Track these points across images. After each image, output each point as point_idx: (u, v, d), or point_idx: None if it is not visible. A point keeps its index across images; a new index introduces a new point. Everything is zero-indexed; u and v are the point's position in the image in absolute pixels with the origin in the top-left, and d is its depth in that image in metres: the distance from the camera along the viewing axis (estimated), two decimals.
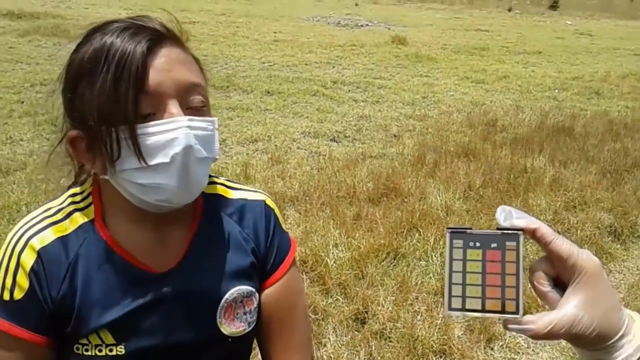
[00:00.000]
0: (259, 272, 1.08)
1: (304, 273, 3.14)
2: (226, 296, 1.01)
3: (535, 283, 0.70)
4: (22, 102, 6.25)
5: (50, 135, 5.29)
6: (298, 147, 5.49)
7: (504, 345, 2.78)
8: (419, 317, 2.89)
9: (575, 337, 0.66)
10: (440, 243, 3.51)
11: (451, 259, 0.70)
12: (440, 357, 2.66)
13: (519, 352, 2.76)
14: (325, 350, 2.64)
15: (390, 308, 2.91)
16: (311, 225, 3.69)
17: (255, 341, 1.12)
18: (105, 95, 0.84)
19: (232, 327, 1.02)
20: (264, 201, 1.11)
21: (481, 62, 10.79)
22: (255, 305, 1.06)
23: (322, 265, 3.21)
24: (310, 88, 7.77)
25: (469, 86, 8.72)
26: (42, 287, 0.92)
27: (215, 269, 1.02)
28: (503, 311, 0.67)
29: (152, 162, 0.86)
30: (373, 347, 2.66)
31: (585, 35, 16.55)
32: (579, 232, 3.88)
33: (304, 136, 5.82)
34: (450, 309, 0.69)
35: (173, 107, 0.87)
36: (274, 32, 12.81)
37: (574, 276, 0.67)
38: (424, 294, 3.06)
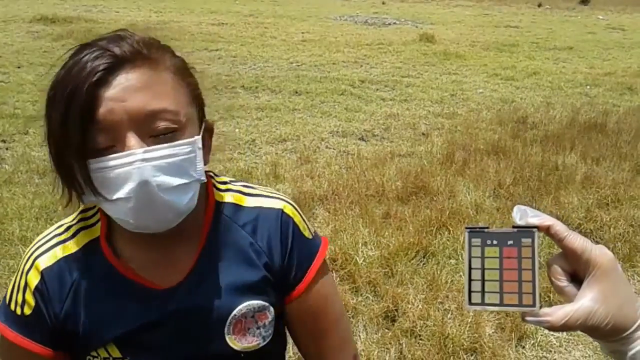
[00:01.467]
0: (276, 285, 1.03)
1: (333, 271, 3.16)
2: (234, 312, 0.98)
3: (553, 278, 0.73)
4: None
5: None
6: (327, 147, 5.52)
7: (536, 344, 2.76)
8: (449, 315, 2.89)
9: (591, 329, 0.68)
10: None
11: (470, 257, 0.73)
12: (471, 355, 2.66)
13: (550, 351, 2.74)
14: None
15: (420, 306, 2.91)
16: (340, 224, 3.72)
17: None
18: (56, 131, 0.82)
19: (243, 342, 0.99)
20: (282, 209, 1.04)
21: (511, 58, 10.67)
22: (270, 319, 1.02)
23: (352, 264, 3.23)
24: (338, 87, 7.79)
25: (498, 83, 8.63)
26: (47, 305, 0.95)
27: (223, 284, 0.98)
28: (521, 304, 0.70)
29: (112, 197, 0.84)
30: (403, 345, 2.67)
31: (618, 30, 16.22)
32: (612, 230, 3.83)
33: (333, 135, 5.85)
34: (470, 303, 0.72)
35: (130, 138, 0.82)
36: (302, 32, 12.86)
37: (588, 270, 0.70)
38: (454, 292, 3.06)
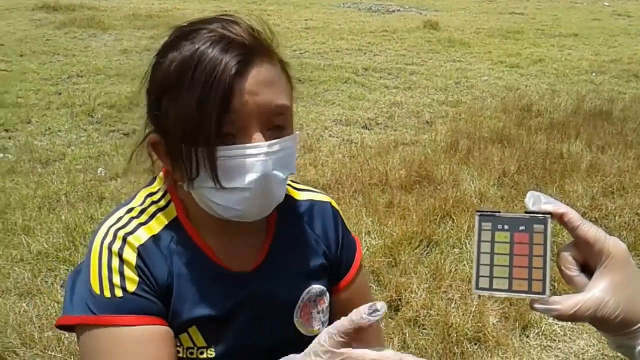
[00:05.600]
0: (331, 273, 1.10)
1: None
2: (302, 296, 1.03)
3: (563, 267, 0.71)
4: (60, 94, 6.40)
5: (87, 126, 5.41)
6: (330, 135, 5.50)
7: (540, 333, 2.75)
8: (453, 305, 2.88)
9: (600, 320, 0.67)
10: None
11: (480, 241, 0.72)
12: (475, 344, 2.65)
13: (555, 340, 2.73)
14: None
15: (424, 296, 2.91)
16: (344, 214, 3.69)
17: None
18: (190, 115, 0.83)
19: (308, 326, 1.04)
20: (330, 203, 1.14)
21: (516, 46, 10.58)
22: (326, 304, 1.08)
23: None
24: (342, 75, 7.74)
25: (503, 71, 8.57)
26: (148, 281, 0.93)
27: (293, 270, 1.04)
28: (530, 291, 0.69)
29: (229, 186, 0.86)
30: (407, 335, 2.67)
31: (624, 17, 16.06)
32: (617, 218, 3.80)
33: (336, 124, 5.82)
34: (477, 288, 0.71)
35: (255, 131, 0.85)
36: (305, 20, 12.77)
37: (601, 261, 0.68)
38: (458, 281, 3.05)
